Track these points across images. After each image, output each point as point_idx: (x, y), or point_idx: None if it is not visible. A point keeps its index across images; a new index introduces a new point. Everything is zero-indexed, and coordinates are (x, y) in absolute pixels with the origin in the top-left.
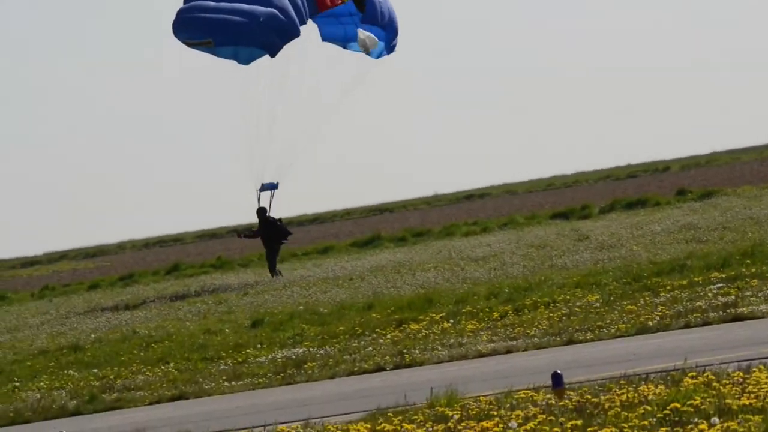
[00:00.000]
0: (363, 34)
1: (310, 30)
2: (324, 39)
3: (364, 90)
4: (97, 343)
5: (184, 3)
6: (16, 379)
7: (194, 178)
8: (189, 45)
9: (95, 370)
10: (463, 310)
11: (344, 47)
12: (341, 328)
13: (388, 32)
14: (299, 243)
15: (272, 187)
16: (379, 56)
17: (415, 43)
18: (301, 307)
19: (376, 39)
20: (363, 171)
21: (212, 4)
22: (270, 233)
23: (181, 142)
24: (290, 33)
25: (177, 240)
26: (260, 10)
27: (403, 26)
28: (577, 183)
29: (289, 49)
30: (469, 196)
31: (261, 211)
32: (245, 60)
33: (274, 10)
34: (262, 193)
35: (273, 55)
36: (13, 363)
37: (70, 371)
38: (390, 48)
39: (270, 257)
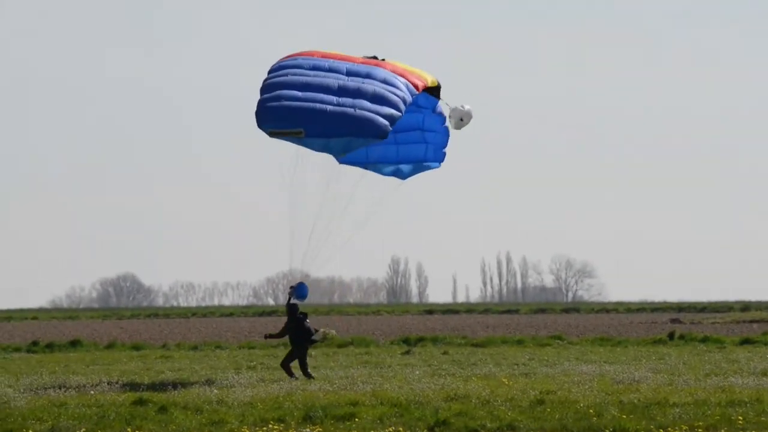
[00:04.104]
0: (455, 111)
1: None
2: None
3: None
4: None
5: (265, 92)
6: None
7: None
8: (274, 135)
9: None
10: None
11: (365, 167)
12: None
13: (445, 137)
14: None
15: (302, 294)
16: (411, 174)
17: None
18: None
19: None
20: None
21: (300, 93)
22: (302, 332)
23: None
24: (391, 119)
25: None
26: (350, 100)
27: None
28: None
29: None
30: None
31: (293, 308)
32: (339, 150)
33: (366, 101)
34: (294, 294)
35: (383, 137)
36: None
37: None
38: (442, 157)
39: (298, 357)
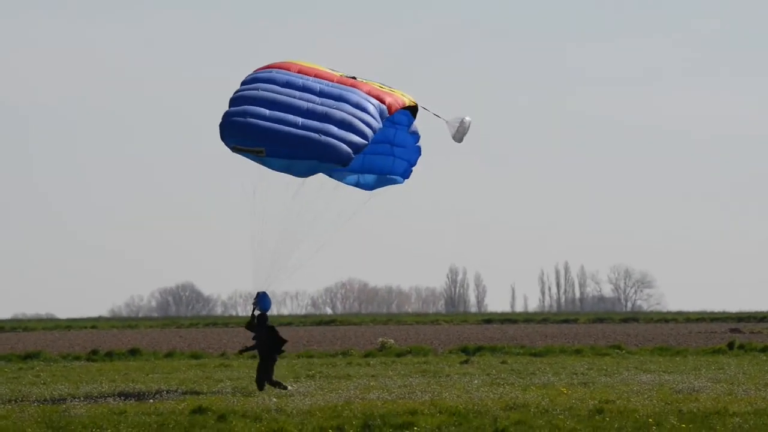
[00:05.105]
0: (457, 126)
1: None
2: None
3: None
4: None
5: (233, 105)
6: None
7: None
8: (237, 151)
9: None
10: None
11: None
12: None
13: (414, 154)
14: None
15: (264, 306)
16: (376, 186)
17: None
18: None
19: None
20: None
21: (267, 112)
22: (272, 342)
23: None
24: (356, 146)
25: None
26: (317, 124)
27: None
28: None
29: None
30: None
31: (262, 318)
32: (301, 173)
33: (334, 125)
34: (257, 306)
35: (346, 165)
36: None
37: None
38: (408, 173)
39: (267, 369)
